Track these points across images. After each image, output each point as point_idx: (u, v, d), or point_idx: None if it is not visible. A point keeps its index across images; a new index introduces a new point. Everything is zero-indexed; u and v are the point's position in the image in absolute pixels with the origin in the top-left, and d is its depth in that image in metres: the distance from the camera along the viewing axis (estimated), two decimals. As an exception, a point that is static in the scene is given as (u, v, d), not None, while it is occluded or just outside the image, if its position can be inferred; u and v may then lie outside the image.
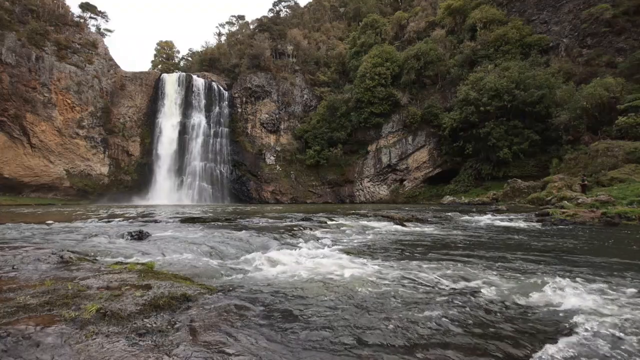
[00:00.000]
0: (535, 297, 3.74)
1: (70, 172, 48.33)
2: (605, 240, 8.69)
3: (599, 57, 36.00)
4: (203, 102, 54.83)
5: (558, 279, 4.41)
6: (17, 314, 2.55)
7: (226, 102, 56.45)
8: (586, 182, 22.85)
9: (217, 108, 55.62)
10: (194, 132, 53.26)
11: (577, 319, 3.02)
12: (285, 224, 11.81)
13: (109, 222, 12.43)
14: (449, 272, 5.03)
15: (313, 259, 6.03)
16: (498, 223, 13.75)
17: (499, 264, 5.75)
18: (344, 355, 2.35)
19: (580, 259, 6.21)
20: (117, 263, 4.78)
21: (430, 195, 43.71)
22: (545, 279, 4.44)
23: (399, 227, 12.09)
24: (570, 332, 2.79)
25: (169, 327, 2.59)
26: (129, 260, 5.20)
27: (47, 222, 11.49)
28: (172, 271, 4.50)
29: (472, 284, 4.32)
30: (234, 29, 79.64)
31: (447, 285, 4.25)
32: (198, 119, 54.01)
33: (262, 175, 53.53)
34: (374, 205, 36.46)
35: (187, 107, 54.19)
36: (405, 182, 48.53)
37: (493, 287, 4.12)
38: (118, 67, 54.66)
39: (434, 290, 4.01)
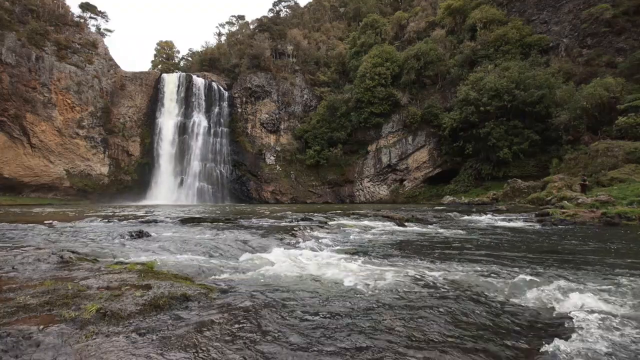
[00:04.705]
0: (535, 297, 3.74)
1: (70, 172, 48.33)
2: (606, 240, 8.69)
3: (599, 57, 35.99)
4: (203, 102, 54.82)
5: (558, 278, 4.42)
6: (17, 314, 2.55)
7: (226, 102, 56.44)
8: (586, 182, 22.83)
9: (217, 108, 55.62)
10: (194, 132, 53.25)
11: (578, 318, 3.01)
12: (285, 224, 11.81)
13: (109, 222, 12.43)
14: (448, 271, 5.04)
15: (313, 259, 6.04)
16: (498, 223, 13.76)
17: (499, 263, 5.76)
18: (343, 355, 2.35)
19: (581, 258, 6.22)
20: (117, 263, 4.78)
21: (430, 195, 43.70)
22: (546, 278, 4.44)
23: (399, 227, 12.09)
24: (570, 331, 2.79)
25: (169, 327, 2.59)
26: (129, 260, 5.21)
27: (47, 222, 11.49)
28: (172, 271, 4.51)
29: (472, 283, 4.33)
30: (234, 29, 79.64)
31: (446, 285, 4.25)
32: (198, 119, 54.00)
33: (262, 175, 53.53)
34: (374, 205, 36.46)
35: (187, 107, 54.20)
36: (405, 182, 48.53)
37: (493, 287, 4.13)
38: (118, 67, 54.66)
39: (433, 290, 4.02)
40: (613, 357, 2.39)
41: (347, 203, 48.89)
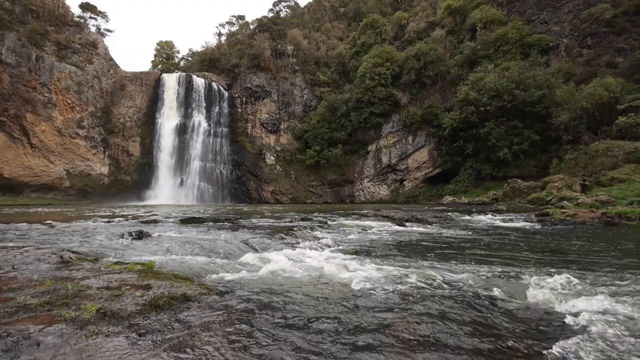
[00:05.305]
0: (536, 297, 3.73)
1: (70, 172, 48.33)
2: (608, 240, 8.68)
3: (599, 57, 35.99)
4: (203, 102, 54.83)
5: (559, 278, 4.40)
6: (17, 314, 2.55)
7: (226, 102, 56.45)
8: (586, 182, 22.84)
9: (217, 108, 55.64)
10: (194, 132, 53.27)
11: (580, 318, 3.00)
12: (285, 224, 11.80)
13: (109, 222, 12.42)
14: (448, 271, 5.03)
15: (313, 260, 6.03)
16: (498, 223, 13.75)
17: (500, 263, 5.75)
18: (341, 356, 2.34)
19: (587, 259, 6.20)
20: (117, 263, 4.77)
21: (430, 195, 43.70)
22: (547, 278, 4.43)
23: (399, 227, 12.09)
24: (573, 332, 2.78)
25: (168, 327, 2.59)
26: (128, 260, 5.20)
27: (47, 222, 11.48)
28: (172, 271, 4.50)
29: (472, 283, 4.32)
30: (234, 29, 79.63)
31: (446, 285, 4.24)
32: (198, 119, 54.02)
33: (262, 175, 53.53)
34: (374, 205, 36.44)
35: (187, 107, 54.21)
36: (405, 182, 48.53)
37: (494, 287, 4.11)
38: (118, 67, 54.67)
39: (432, 290, 4.00)
40: (616, 358, 2.37)
41: (347, 203, 48.88)
